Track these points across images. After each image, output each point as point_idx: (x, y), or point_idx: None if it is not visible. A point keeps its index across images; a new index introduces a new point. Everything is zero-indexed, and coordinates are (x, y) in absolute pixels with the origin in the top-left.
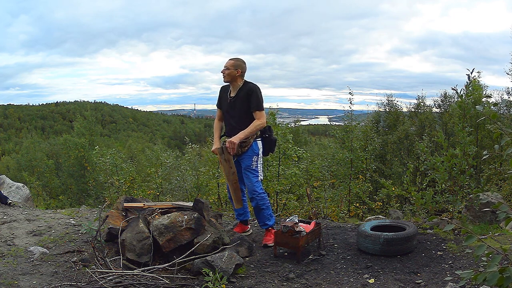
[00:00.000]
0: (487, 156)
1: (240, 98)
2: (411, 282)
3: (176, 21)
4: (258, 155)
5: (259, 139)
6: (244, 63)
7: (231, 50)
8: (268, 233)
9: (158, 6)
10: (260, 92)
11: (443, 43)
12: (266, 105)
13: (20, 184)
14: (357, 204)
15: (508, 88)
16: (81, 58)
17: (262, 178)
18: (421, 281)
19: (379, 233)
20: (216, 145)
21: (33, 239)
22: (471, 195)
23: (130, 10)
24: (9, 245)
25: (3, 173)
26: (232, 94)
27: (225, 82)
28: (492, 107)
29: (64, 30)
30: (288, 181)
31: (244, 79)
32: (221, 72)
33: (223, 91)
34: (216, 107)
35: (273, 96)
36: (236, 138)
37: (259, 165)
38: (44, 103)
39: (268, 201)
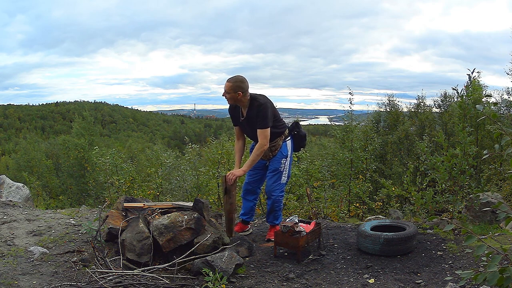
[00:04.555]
0: (487, 156)
1: (252, 118)
2: (411, 282)
3: (174, 20)
4: (287, 157)
5: (288, 138)
6: (243, 81)
7: (230, 50)
8: (272, 229)
9: (156, 4)
10: (269, 107)
11: (443, 42)
12: None
13: (20, 184)
14: (357, 204)
15: (508, 88)
16: (80, 58)
17: (287, 180)
18: (421, 281)
19: (379, 233)
20: (236, 167)
21: (33, 239)
22: (471, 195)
23: (128, 8)
24: (9, 245)
25: (3, 173)
26: (243, 114)
27: (230, 104)
28: (492, 107)
29: (62, 29)
30: (288, 181)
31: (250, 93)
32: (222, 95)
33: (232, 110)
34: (233, 125)
35: (273, 96)
36: (240, 172)
37: (287, 167)
38: (44, 103)
39: (282, 203)
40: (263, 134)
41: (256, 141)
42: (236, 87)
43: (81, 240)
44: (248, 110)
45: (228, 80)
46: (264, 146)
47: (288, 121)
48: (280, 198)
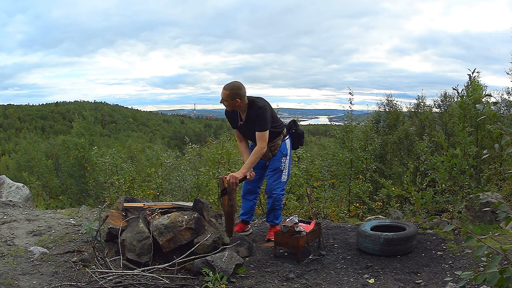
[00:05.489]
0: (487, 156)
1: (251, 122)
2: (411, 282)
3: (174, 20)
4: (287, 155)
5: (287, 137)
6: (240, 87)
7: (230, 50)
8: (272, 229)
9: (156, 4)
10: (267, 110)
11: (443, 42)
12: None
13: (20, 184)
14: (357, 204)
15: (508, 88)
16: (79, 58)
17: (287, 178)
18: (421, 281)
19: (379, 233)
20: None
21: (33, 239)
22: (471, 195)
23: (127, 8)
24: (9, 245)
25: (3, 173)
26: (242, 118)
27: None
28: (492, 106)
29: (62, 29)
30: (288, 181)
31: (247, 96)
32: (220, 102)
33: (230, 113)
34: (231, 127)
35: (273, 96)
36: (239, 174)
37: (287, 165)
38: (44, 103)
39: (282, 202)
40: (262, 137)
41: (255, 143)
42: (233, 95)
43: (81, 240)
44: (247, 114)
45: (225, 88)
46: (263, 149)
47: (289, 121)
48: (281, 197)
